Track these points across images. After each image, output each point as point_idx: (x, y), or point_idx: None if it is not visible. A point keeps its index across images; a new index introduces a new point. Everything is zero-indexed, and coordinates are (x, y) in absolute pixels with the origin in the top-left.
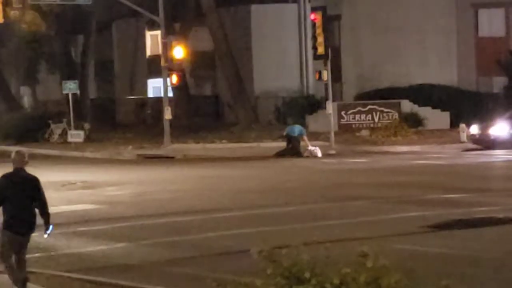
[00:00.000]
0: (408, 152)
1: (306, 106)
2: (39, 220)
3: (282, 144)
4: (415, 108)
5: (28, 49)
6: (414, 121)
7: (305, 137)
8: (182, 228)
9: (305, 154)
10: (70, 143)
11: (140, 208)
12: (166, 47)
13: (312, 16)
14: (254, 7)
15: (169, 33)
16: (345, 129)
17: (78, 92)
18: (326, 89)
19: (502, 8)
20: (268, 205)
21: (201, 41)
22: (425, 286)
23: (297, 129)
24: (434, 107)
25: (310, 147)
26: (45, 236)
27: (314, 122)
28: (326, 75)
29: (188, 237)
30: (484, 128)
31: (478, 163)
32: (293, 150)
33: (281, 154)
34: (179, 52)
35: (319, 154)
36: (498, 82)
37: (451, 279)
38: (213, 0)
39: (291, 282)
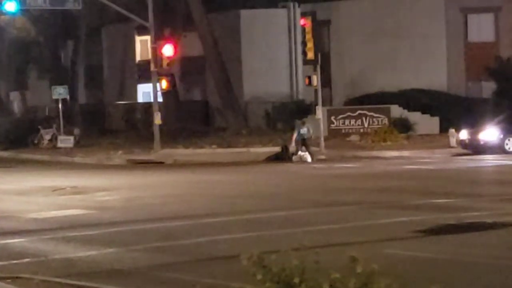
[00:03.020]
0: (397, 157)
1: (295, 111)
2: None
3: (272, 149)
4: (405, 113)
5: (17, 54)
6: (403, 126)
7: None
8: (172, 233)
9: (295, 159)
10: (59, 148)
11: (130, 213)
12: (156, 52)
13: (302, 22)
14: (243, 12)
15: (159, 38)
16: (334, 134)
17: (67, 97)
18: (316, 94)
19: (491, 13)
20: (257, 210)
21: (191, 46)
22: None
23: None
24: (423, 112)
25: (300, 152)
26: None
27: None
28: (315, 80)
29: (178, 242)
30: (473, 133)
31: (467, 168)
32: (287, 153)
33: (272, 159)
34: (168, 50)
35: (309, 159)
36: (488, 87)
37: (440, 284)
38: (203, 5)
39: (280, 287)
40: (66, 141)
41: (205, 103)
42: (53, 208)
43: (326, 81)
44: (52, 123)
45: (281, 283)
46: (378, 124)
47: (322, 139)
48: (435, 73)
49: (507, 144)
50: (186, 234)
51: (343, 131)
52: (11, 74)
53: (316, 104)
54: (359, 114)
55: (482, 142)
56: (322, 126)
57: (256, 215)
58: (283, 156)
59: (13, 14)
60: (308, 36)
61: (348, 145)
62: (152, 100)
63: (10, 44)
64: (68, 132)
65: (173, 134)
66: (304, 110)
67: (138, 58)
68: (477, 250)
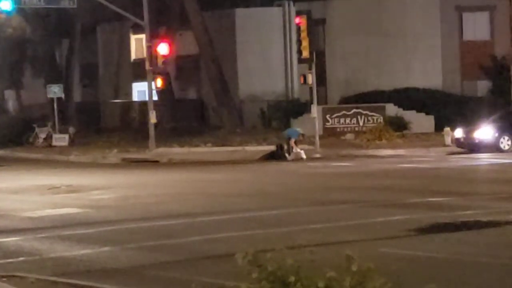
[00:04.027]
0: (392, 156)
1: (291, 109)
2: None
3: (268, 148)
4: (400, 111)
5: (12, 53)
6: (398, 124)
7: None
8: (168, 232)
9: (290, 157)
10: (54, 147)
11: (125, 212)
12: (151, 50)
13: (297, 20)
14: (238, 11)
15: (154, 37)
16: (330, 133)
17: (62, 96)
18: (311, 93)
19: (487, 12)
20: (253, 209)
21: (186, 45)
22: None
23: (295, 131)
24: (418, 111)
25: (295, 150)
26: None
27: (299, 125)
28: (311, 78)
29: (174, 241)
30: (468, 132)
31: (462, 167)
32: (282, 151)
33: (267, 158)
34: (163, 48)
35: (303, 157)
36: (483, 86)
37: (436, 283)
38: (198, 4)
39: (276, 286)
40: (61, 140)
41: (200, 102)
42: (48, 206)
43: (321, 80)
44: (47, 121)
45: (276, 282)
46: (373, 123)
47: (317, 137)
48: (430, 71)
49: (502, 142)
50: (182, 233)
51: (338, 129)
52: (5, 72)
53: (311, 103)
54: (354, 112)
55: (477, 141)
56: (317, 125)
57: (252, 213)
58: (278, 155)
59: (8, 12)
60: (303, 34)
61: (343, 143)
62: (147, 98)
63: (5, 43)
64: (63, 131)
65: (168, 133)
66: (299, 109)
67: (133, 56)
68: (473, 248)
